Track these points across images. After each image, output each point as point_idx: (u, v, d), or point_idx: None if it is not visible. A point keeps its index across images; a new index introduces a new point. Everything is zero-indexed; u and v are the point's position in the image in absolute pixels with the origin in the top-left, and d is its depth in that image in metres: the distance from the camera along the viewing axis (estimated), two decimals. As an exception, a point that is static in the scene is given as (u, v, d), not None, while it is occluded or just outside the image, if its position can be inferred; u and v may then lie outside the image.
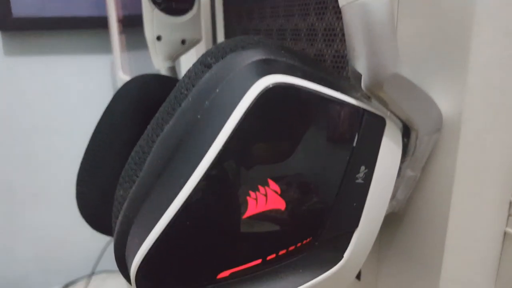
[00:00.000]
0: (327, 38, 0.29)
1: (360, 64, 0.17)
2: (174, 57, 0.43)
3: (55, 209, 1.10)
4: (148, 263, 0.17)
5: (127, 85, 0.36)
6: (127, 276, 0.20)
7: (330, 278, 0.19)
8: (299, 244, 0.19)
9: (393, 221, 0.26)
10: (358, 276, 0.30)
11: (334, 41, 0.28)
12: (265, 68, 0.17)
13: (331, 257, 0.19)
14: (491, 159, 0.22)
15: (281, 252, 0.19)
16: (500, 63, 0.20)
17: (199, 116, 0.17)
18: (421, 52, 0.22)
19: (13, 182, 1.06)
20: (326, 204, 0.19)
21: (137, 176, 0.18)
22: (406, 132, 0.21)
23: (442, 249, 0.23)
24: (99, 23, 1.00)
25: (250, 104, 0.16)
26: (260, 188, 0.17)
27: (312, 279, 0.19)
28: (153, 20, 0.40)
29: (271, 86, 0.16)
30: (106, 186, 0.33)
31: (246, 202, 0.17)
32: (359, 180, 0.19)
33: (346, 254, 0.20)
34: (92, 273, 1.03)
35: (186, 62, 0.58)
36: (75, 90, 1.06)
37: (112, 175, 0.33)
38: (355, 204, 0.19)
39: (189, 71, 0.19)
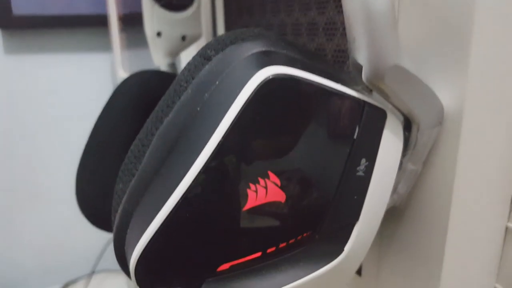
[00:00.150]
0: (328, 32, 0.29)
1: (361, 55, 0.17)
2: (174, 54, 0.43)
3: (55, 208, 1.10)
4: (148, 255, 0.17)
5: (127, 81, 0.36)
6: (126, 270, 0.19)
7: (331, 272, 0.19)
8: (299, 237, 0.19)
9: (394, 215, 0.26)
10: (359, 272, 0.30)
11: (335, 35, 0.28)
12: (265, 59, 0.17)
13: (331, 250, 0.19)
14: (493, 153, 0.22)
15: (281, 245, 0.18)
16: (502, 55, 0.20)
17: (198, 109, 0.17)
18: (422, 44, 0.22)
19: (13, 180, 1.05)
20: (327, 196, 0.19)
21: (137, 169, 0.18)
22: (407, 125, 0.21)
23: (444, 244, 0.23)
24: (100, 21, 1.00)
25: (250, 95, 0.16)
26: (260, 180, 0.17)
27: (312, 272, 0.19)
28: (153, 16, 0.40)
29: (271, 77, 0.16)
30: (106, 181, 0.33)
31: (246, 194, 0.17)
32: (360, 173, 0.19)
33: (346, 247, 0.19)
34: (92, 272, 1.03)
35: (186, 58, 0.58)
36: (75, 88, 1.06)
37: (111, 171, 0.33)
38: (355, 197, 0.19)
39: (188, 63, 0.19)
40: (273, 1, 0.35)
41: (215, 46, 0.19)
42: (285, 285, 0.18)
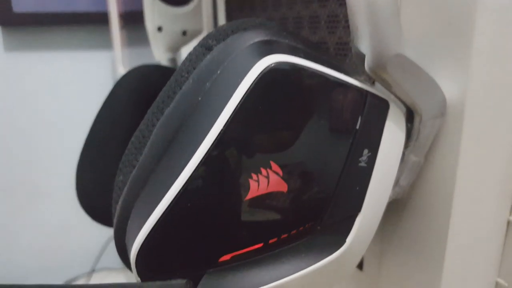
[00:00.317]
0: (330, 25, 0.29)
1: (364, 43, 0.17)
2: (175, 49, 0.42)
3: (55, 206, 1.10)
4: (148, 246, 0.17)
5: (127, 75, 0.36)
6: (127, 262, 0.19)
7: (333, 263, 0.19)
8: (301, 228, 0.19)
9: (396, 208, 0.26)
10: (361, 266, 0.30)
11: (337, 28, 0.28)
12: (267, 48, 0.17)
13: (333, 242, 0.19)
14: (496, 146, 0.22)
15: (283, 236, 0.18)
16: (505, 47, 0.20)
17: (200, 98, 0.17)
18: (425, 35, 0.22)
19: (13, 178, 1.05)
20: (329, 187, 0.18)
21: (137, 161, 0.18)
22: (410, 117, 0.21)
23: (445, 238, 0.23)
24: (100, 19, 1.00)
25: (252, 84, 0.16)
26: (262, 170, 0.17)
27: (314, 263, 0.19)
28: (154, 10, 0.39)
29: (273, 65, 0.16)
30: (105, 175, 0.33)
31: (248, 184, 0.17)
32: (362, 164, 0.19)
33: (349, 239, 0.19)
34: (93, 271, 1.03)
35: (187, 53, 0.57)
36: (76, 85, 1.05)
37: (111, 165, 0.33)
38: (358, 188, 0.19)
39: (190, 54, 0.19)
40: (274, -5, 0.35)
41: (217, 36, 0.19)
42: (286, 276, 0.18)
